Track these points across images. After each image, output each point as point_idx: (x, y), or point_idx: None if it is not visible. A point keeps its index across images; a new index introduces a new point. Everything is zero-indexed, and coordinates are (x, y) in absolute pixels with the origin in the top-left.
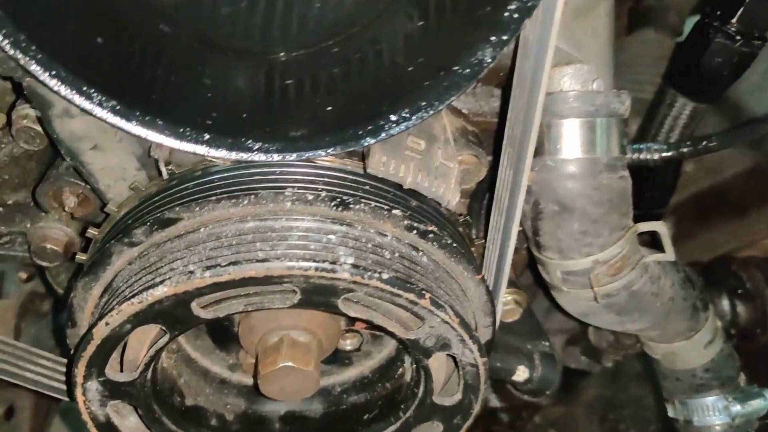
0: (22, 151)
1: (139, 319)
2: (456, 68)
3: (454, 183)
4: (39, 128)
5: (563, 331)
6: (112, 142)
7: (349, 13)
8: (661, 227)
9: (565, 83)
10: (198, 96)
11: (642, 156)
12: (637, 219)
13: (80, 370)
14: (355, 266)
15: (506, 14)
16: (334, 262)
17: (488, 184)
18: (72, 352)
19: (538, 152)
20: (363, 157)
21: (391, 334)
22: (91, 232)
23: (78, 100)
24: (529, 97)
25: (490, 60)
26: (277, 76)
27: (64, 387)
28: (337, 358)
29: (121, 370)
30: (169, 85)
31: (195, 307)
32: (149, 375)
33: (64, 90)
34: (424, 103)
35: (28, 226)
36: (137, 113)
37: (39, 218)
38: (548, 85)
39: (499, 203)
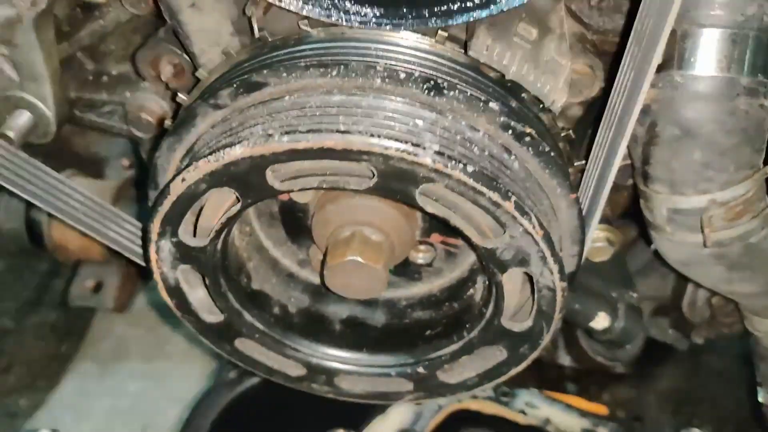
0: (128, 18)
1: (215, 179)
2: None
3: (563, 83)
4: None
5: (653, 299)
6: (211, 2)
7: None
8: None
9: None
10: None
11: None
12: None
13: (155, 227)
14: (439, 153)
15: None
16: (417, 145)
17: (599, 104)
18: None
19: (666, 66)
20: (465, 45)
21: (468, 240)
22: (182, 97)
23: None
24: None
25: None
26: None
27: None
28: (407, 272)
29: (195, 236)
30: None
31: (269, 175)
32: (219, 246)
33: None
34: None
35: (128, 95)
36: None
37: (138, 89)
38: None
39: (610, 114)
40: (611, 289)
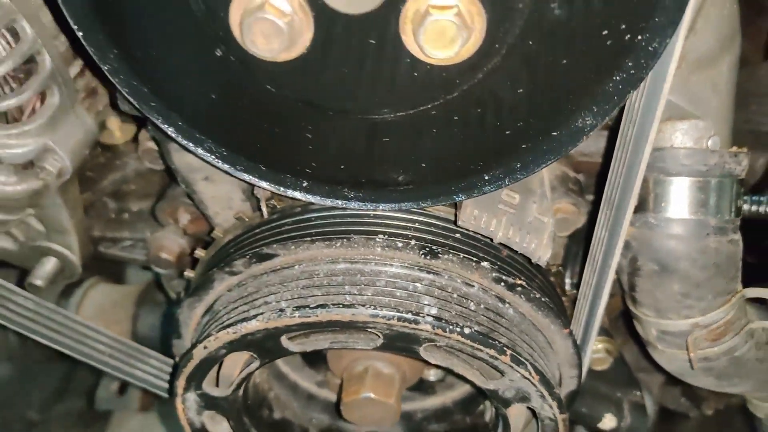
0: (147, 168)
1: (233, 346)
2: (555, 133)
3: (546, 239)
4: None
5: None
6: (222, 175)
7: (448, 79)
8: None
9: (677, 139)
10: (299, 147)
11: (762, 209)
12: (755, 269)
13: (181, 383)
14: (437, 318)
15: (610, 85)
16: (417, 313)
17: (587, 229)
18: (175, 364)
19: (641, 208)
20: (456, 205)
21: (471, 383)
22: (199, 253)
23: (192, 147)
24: (629, 167)
25: (590, 128)
26: (376, 135)
27: (166, 386)
28: (421, 386)
29: (217, 385)
30: (272, 137)
31: (284, 340)
32: (241, 392)
33: (180, 138)
34: (519, 165)
35: (148, 234)
36: (242, 159)
37: (158, 229)
38: (659, 140)
39: (592, 261)
40: (616, 390)
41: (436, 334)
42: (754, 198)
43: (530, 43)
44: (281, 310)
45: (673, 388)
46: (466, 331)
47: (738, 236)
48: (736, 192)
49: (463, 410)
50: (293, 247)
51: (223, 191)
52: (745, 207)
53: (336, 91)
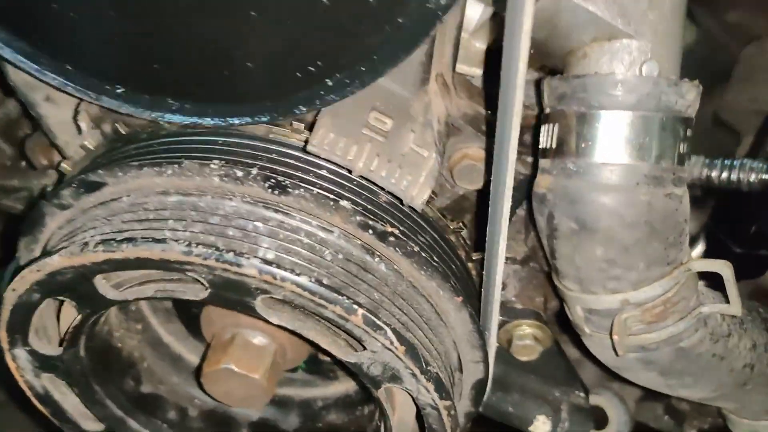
0: None
1: (45, 288)
2: (401, 20)
3: (425, 177)
4: None
5: None
6: (65, 96)
7: None
8: (724, 268)
9: (604, 64)
10: (107, 45)
11: (734, 176)
12: (740, 258)
13: (3, 336)
14: (266, 262)
15: None
16: (241, 254)
17: None
18: None
19: (560, 151)
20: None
21: (329, 354)
22: (48, 191)
23: None
24: (506, 87)
25: (444, 9)
26: (188, 27)
27: None
28: (321, 370)
29: (61, 344)
30: (73, 27)
31: (101, 284)
32: (83, 352)
33: None
34: (364, 67)
35: (35, 182)
36: (46, 56)
37: (44, 175)
38: (583, 65)
39: (490, 212)
40: (552, 388)
41: (264, 281)
42: (707, 161)
43: None
44: (85, 244)
45: (654, 404)
46: (303, 280)
47: (682, 191)
48: (679, 134)
49: (364, 400)
50: (120, 173)
51: (68, 116)
52: (696, 171)
53: None
